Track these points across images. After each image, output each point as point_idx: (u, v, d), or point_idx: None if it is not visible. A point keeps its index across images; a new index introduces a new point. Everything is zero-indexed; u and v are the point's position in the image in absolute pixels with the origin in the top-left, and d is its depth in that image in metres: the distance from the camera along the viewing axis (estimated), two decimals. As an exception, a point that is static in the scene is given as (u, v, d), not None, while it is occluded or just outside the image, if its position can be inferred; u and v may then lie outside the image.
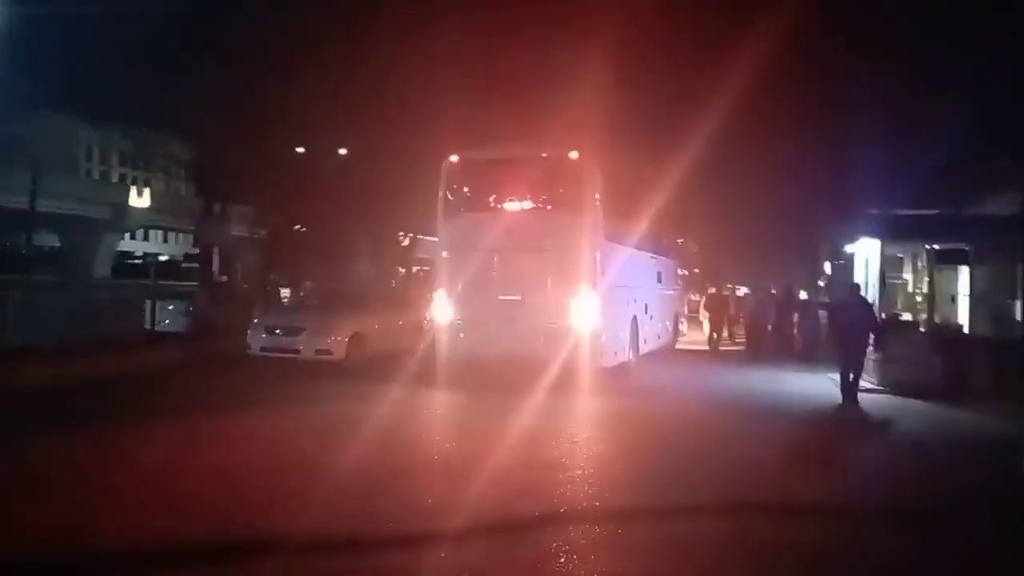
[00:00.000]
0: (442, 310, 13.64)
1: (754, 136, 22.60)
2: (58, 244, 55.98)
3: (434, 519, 6.11)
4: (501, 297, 13.26)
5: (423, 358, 14.27)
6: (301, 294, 19.80)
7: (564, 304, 12.95)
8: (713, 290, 27.28)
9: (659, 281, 18.77)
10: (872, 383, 15.05)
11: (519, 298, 13.20)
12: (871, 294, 15.92)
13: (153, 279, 20.98)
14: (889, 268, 16.32)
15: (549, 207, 13.41)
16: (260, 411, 10.96)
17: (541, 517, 6.16)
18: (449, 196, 13.70)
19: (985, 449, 9.76)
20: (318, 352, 15.22)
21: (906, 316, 16.25)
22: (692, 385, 14.97)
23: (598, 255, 13.15)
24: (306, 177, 20.68)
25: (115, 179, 75.51)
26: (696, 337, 25.65)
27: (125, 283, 36.69)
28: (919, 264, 16.47)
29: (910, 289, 16.70)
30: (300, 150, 21.44)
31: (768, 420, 11.39)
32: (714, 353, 21.88)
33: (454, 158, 13.57)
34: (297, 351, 15.22)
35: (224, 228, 21.67)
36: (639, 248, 16.40)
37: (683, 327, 23.73)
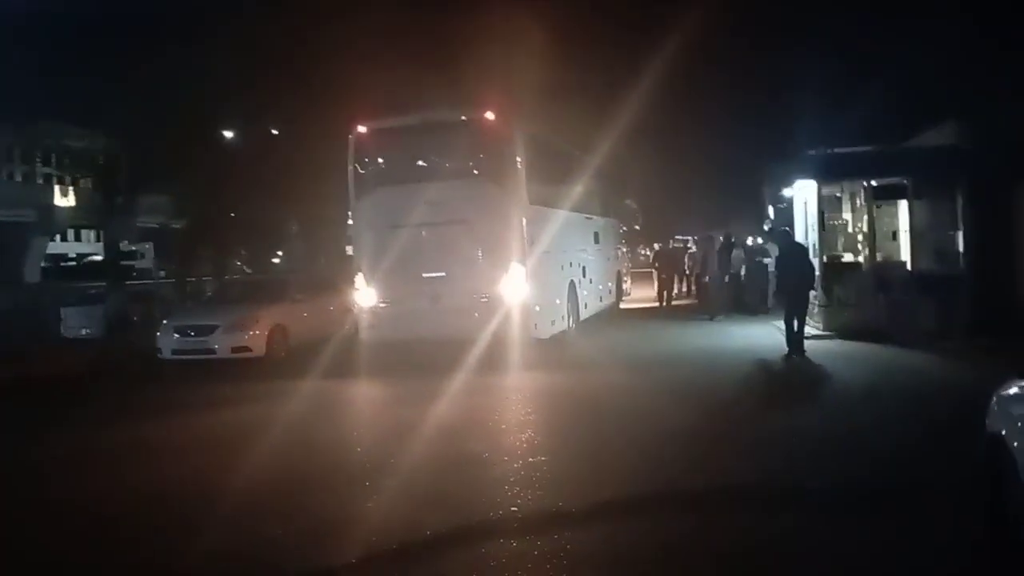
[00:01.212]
0: (363, 293, 12.72)
1: (689, 82, 21.94)
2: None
3: (334, 543, 5.29)
4: (425, 275, 12.39)
5: (349, 346, 13.37)
6: (216, 288, 18.52)
7: (491, 277, 12.14)
8: (658, 245, 26.77)
9: (597, 242, 18.01)
10: (818, 328, 14.60)
11: (444, 274, 12.35)
12: (811, 236, 15.41)
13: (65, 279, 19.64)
14: (828, 209, 15.79)
15: (468, 174, 12.47)
16: (152, 422, 9.94)
17: (452, 533, 5.36)
18: (360, 170, 12.68)
19: (939, 396, 9.22)
20: (235, 350, 14.17)
21: (848, 257, 15.78)
22: (632, 350, 14.23)
23: (524, 222, 12.31)
24: (227, 160, 19.41)
25: (39, 180, 72.26)
26: (644, 294, 25.15)
27: (46, 287, 35.02)
28: (858, 202, 15.96)
29: (850, 229, 16.20)
30: (227, 134, 20.11)
31: (708, 384, 10.70)
32: (664, 310, 21.29)
33: (361, 128, 12.53)
34: (212, 351, 14.17)
35: (130, 222, 20.25)
36: (572, 210, 15.59)
37: (627, 286, 23.12)
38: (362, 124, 12.51)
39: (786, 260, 12.73)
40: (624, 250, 23.29)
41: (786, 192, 17.62)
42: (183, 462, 7.81)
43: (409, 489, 6.38)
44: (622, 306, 21.61)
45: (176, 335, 14.47)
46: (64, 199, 51.33)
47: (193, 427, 9.64)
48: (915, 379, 10.53)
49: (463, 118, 12.30)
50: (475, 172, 12.41)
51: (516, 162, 12.21)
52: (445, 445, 7.71)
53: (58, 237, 63.19)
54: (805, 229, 16.13)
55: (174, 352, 14.41)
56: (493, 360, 11.81)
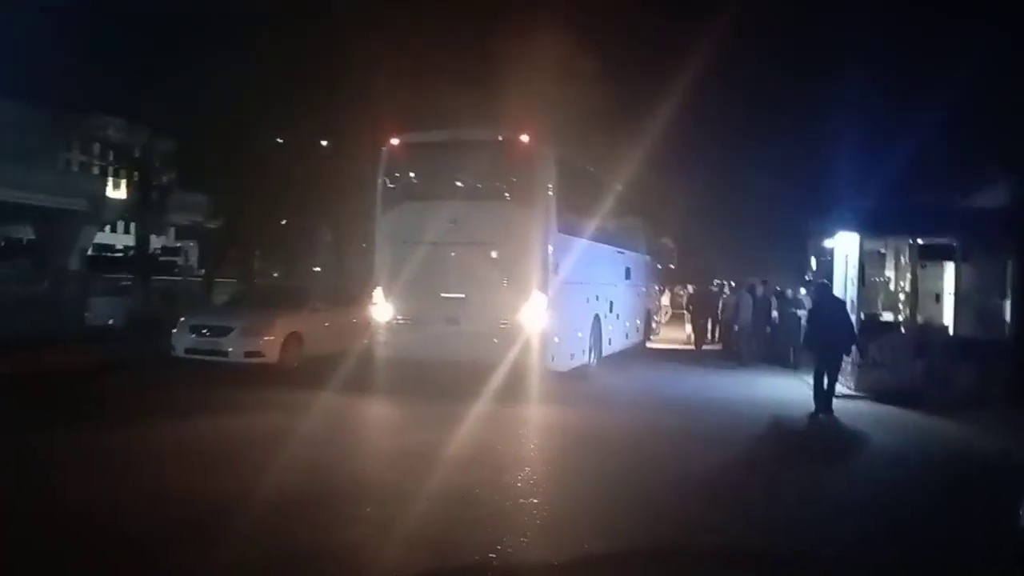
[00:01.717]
0: (381, 308, 12.42)
1: (732, 121, 21.53)
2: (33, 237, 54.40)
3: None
4: (444, 295, 12.06)
5: (364, 361, 13.05)
6: (238, 291, 18.38)
7: (512, 303, 11.76)
8: (692, 287, 26.20)
9: (628, 277, 17.57)
10: (850, 388, 13.96)
11: (463, 296, 12.00)
12: (850, 292, 14.80)
13: (92, 270, 19.69)
14: (869, 264, 15.18)
15: (497, 196, 12.16)
16: (143, 425, 9.54)
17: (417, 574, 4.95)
18: (389, 183, 12.45)
19: (974, 476, 8.55)
20: (248, 354, 13.95)
21: (887, 316, 15.12)
22: (653, 391, 13.71)
23: (550, 249, 11.94)
24: (265, 164, 19.38)
25: (95, 171, 73.55)
26: (674, 335, 24.58)
27: (89, 276, 35.39)
28: (902, 260, 15.31)
29: (892, 287, 15.55)
30: (269, 139, 20.13)
31: (726, 435, 10.15)
32: (691, 353, 20.70)
33: (395, 141, 12.31)
34: (224, 353, 13.95)
35: (162, 218, 20.27)
36: (603, 242, 15.21)
37: (657, 325, 22.61)
38: (395, 137, 12.30)
39: (819, 313, 12.19)
40: (657, 288, 22.83)
41: (828, 244, 17.03)
42: (159, 472, 7.45)
43: (388, 522, 5.98)
44: (650, 345, 21.10)
45: (191, 334, 14.30)
46: (116, 191, 52.03)
47: (182, 434, 9.25)
48: (947, 449, 9.89)
49: (497, 139, 12.03)
50: (504, 194, 12.11)
51: (547, 187, 11.88)
52: (438, 477, 7.31)
53: (107, 228, 64.33)
54: (845, 284, 15.51)
55: (187, 351, 14.22)
56: (506, 389, 11.42)
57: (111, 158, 18.57)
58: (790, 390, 14.26)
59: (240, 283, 20.43)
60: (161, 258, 46.20)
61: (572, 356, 13.14)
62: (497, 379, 11.47)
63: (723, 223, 27.72)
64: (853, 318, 14.67)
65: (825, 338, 11.85)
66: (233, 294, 17.79)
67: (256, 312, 14.99)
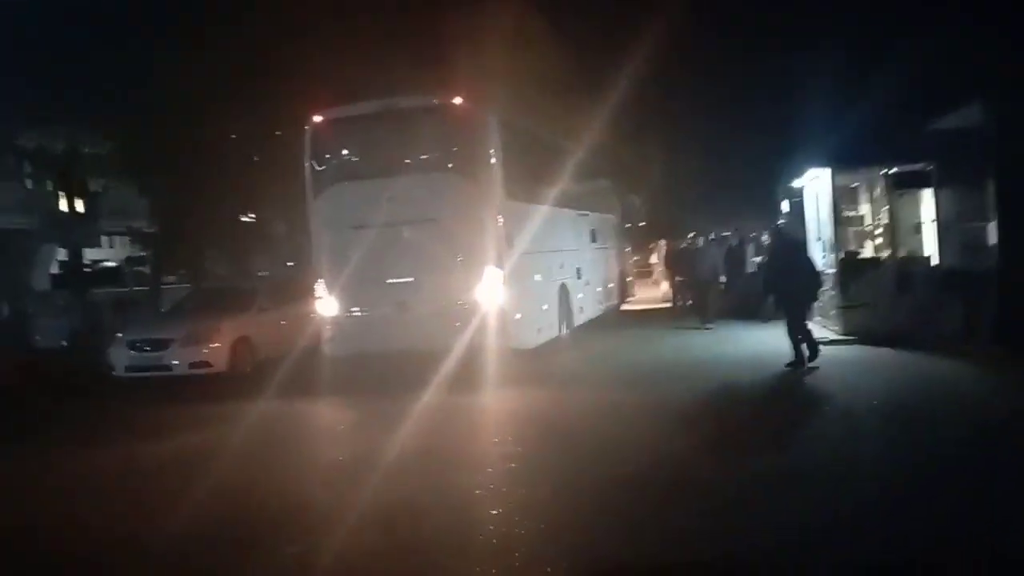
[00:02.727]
0: (324, 302, 11.46)
1: (692, 65, 20.47)
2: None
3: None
4: (390, 280, 11.12)
5: (320, 360, 12.09)
6: (179, 297, 17.22)
7: (464, 282, 10.85)
8: (663, 242, 25.38)
9: (594, 240, 16.67)
10: (836, 332, 13.21)
11: (412, 280, 11.07)
12: (824, 232, 14.01)
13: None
14: (843, 201, 14.37)
15: (437, 168, 11.16)
16: (66, 452, 8.66)
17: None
18: (317, 165, 11.41)
19: (978, 422, 7.78)
20: (193, 366, 12.96)
21: (867, 253, 14.35)
22: (626, 361, 12.78)
23: (501, 219, 11.00)
24: (201, 158, 18.12)
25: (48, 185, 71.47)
26: (650, 295, 23.77)
27: (54, 295, 33.97)
28: (876, 192, 14.52)
29: (868, 222, 14.76)
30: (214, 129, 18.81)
31: (702, 405, 9.20)
32: (669, 312, 19.77)
33: (318, 118, 11.25)
34: (167, 367, 12.96)
35: (91, 226, 19.01)
36: (562, 206, 14.27)
37: (630, 286, 21.78)
38: (318, 114, 11.23)
39: (776, 258, 11.38)
40: (628, 248, 21.95)
41: (797, 183, 16.20)
42: (49, 507, 6.55)
43: (328, 540, 5.12)
44: (626, 308, 20.29)
45: (129, 350, 13.28)
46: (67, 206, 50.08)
47: (117, 459, 8.38)
48: (943, 395, 9.04)
49: (429, 104, 11.01)
50: (444, 165, 11.12)
51: (490, 153, 10.90)
52: (386, 486, 6.43)
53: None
54: (818, 224, 14.72)
55: (127, 369, 13.22)
56: (467, 375, 10.54)
57: (28, 167, 17.25)
58: (773, 342, 13.43)
59: (192, 287, 19.29)
60: (131, 270, 44.66)
61: (539, 331, 12.27)
62: (456, 366, 10.59)
63: (691, 175, 26.72)
64: (826, 258, 13.96)
65: (784, 285, 10.95)
66: (174, 300, 16.67)
67: (198, 319, 13.96)
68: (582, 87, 17.18)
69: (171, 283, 21.08)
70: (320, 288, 11.40)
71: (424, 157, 11.17)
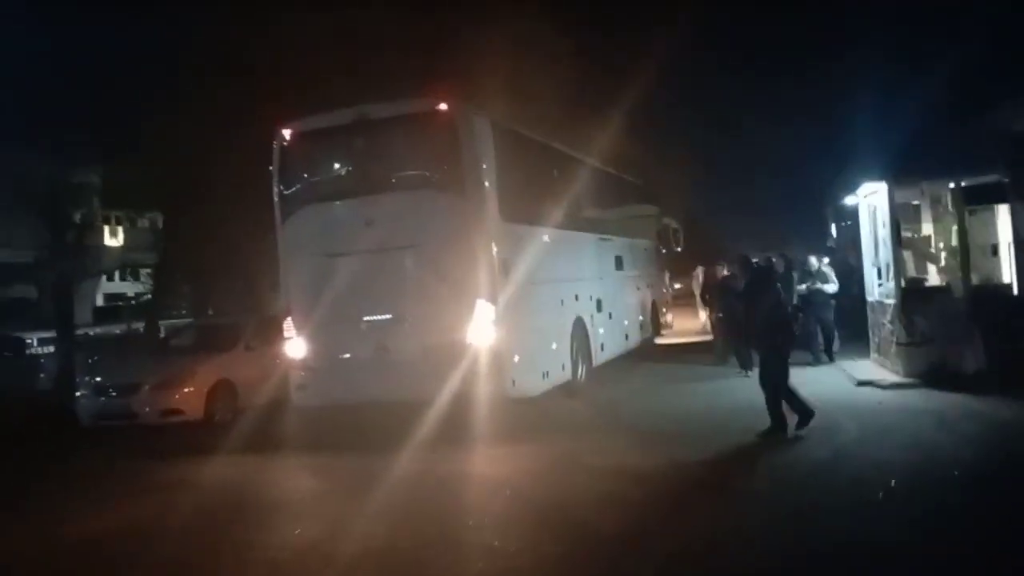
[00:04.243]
0: (293, 344, 9.92)
1: (733, 69, 18.76)
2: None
3: None
4: (367, 318, 9.54)
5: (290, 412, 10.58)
6: (155, 336, 15.91)
7: (452, 319, 9.24)
8: (700, 269, 23.44)
9: (620, 267, 14.94)
10: (897, 373, 11.25)
11: (390, 317, 9.49)
12: (883, 255, 12.06)
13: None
14: (904, 220, 12.42)
15: (419, 185, 9.60)
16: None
17: None
18: (284, 186, 9.93)
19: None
20: (163, 414, 11.52)
21: (932, 280, 12.37)
22: (650, 411, 10.82)
23: (494, 246, 9.37)
24: (200, 181, 16.92)
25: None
26: (687, 326, 21.73)
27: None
28: (941, 209, 12.57)
29: (935, 244, 12.79)
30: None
31: (740, 474, 7.54)
32: (710, 349, 17.64)
33: (285, 131, 9.79)
34: (135, 416, 11.53)
35: (82, 260, 17.89)
36: (577, 229, 12.63)
37: (668, 317, 19.80)
38: (285, 126, 9.77)
39: (747, 294, 9.15)
40: (666, 276, 20.04)
41: (849, 201, 14.29)
42: None
43: None
44: (661, 341, 18.37)
45: (97, 396, 11.92)
46: (113, 239, 50.38)
47: (28, 539, 6.97)
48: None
49: (409, 111, 9.47)
50: (428, 182, 9.55)
51: (481, 167, 9.31)
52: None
53: (116, 276, 62.53)
54: (875, 246, 12.78)
55: (94, 417, 11.85)
56: (455, 430, 8.92)
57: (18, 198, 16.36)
58: (826, 392, 11.45)
59: (192, 321, 17.98)
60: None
61: (545, 375, 10.55)
62: (443, 419, 8.96)
63: (733, 195, 24.91)
64: (884, 286, 11.99)
65: (757, 324, 8.72)
66: (148, 339, 15.34)
67: (173, 360, 12.59)
68: (606, 92, 15.57)
69: (175, 317, 19.89)
70: (288, 327, 9.87)
71: (405, 173, 9.62)
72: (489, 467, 8.22)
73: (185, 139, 16.11)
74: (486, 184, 9.35)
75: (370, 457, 8.70)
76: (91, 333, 20.22)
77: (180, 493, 8.10)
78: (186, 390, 11.72)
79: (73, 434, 11.82)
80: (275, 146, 9.83)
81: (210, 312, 19.32)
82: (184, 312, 19.73)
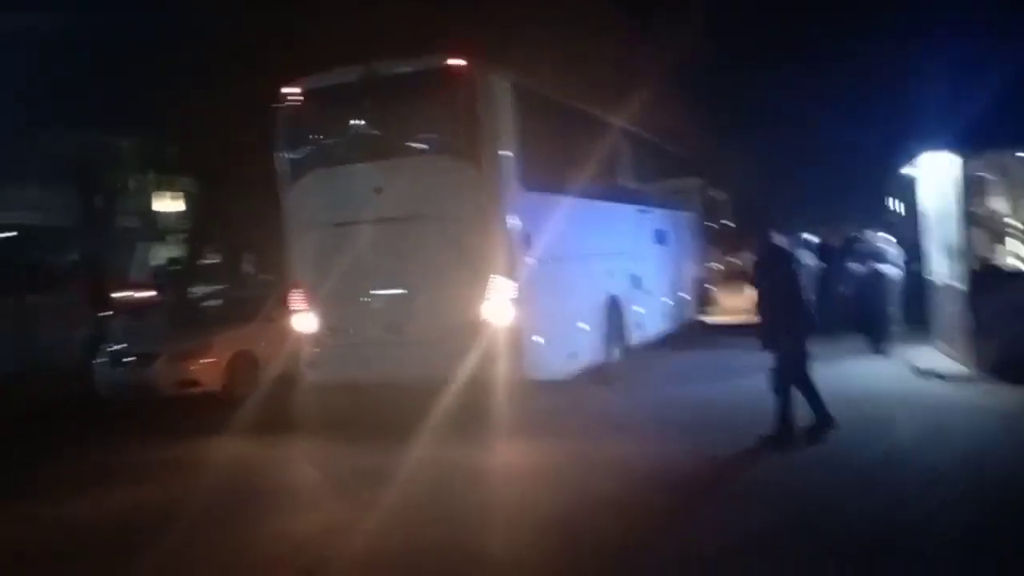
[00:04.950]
0: (302, 317, 9.37)
1: (779, 20, 17.47)
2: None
3: None
4: (377, 292, 8.93)
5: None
6: (176, 303, 15.48)
7: (468, 295, 8.56)
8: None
9: (661, 241, 14.05)
10: (966, 366, 10.19)
11: (404, 292, 8.86)
12: (946, 236, 10.96)
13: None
14: (972, 194, 11.20)
15: (433, 150, 8.90)
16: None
17: None
18: (288, 151, 9.31)
19: None
20: (180, 385, 11.21)
21: (1012, 263, 11.21)
22: (688, 394, 10.05)
23: (513, 217, 8.64)
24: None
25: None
26: (736, 303, 20.57)
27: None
28: (1018, 183, 11.36)
29: (1009, 223, 11.60)
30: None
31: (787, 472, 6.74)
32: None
33: (290, 90, 9.15)
34: (152, 387, 11.20)
35: (111, 225, 17.63)
36: (611, 200, 11.80)
37: (714, 294, 18.78)
38: (290, 85, 9.12)
39: (757, 273, 8.08)
40: (714, 250, 18.95)
41: (908, 172, 13.10)
42: None
43: None
44: (706, 319, 17.41)
45: (114, 366, 11.63)
46: (166, 204, 51.35)
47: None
48: None
49: (421, 68, 8.72)
50: (443, 147, 8.84)
51: (498, 131, 8.53)
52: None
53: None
54: (937, 225, 11.65)
55: (110, 387, 11.59)
56: (471, 416, 8.30)
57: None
58: (881, 379, 10.49)
59: (218, 289, 17.61)
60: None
61: (573, 356, 9.82)
62: (459, 403, 8.33)
63: (784, 164, 23.55)
64: (951, 269, 10.90)
65: (769, 319, 7.63)
66: (171, 307, 15.01)
67: (192, 330, 12.23)
68: (644, 51, 14.57)
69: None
70: (297, 299, 9.31)
71: (417, 136, 8.91)
72: (501, 462, 7.56)
73: (218, 105, 15.64)
74: (505, 150, 8.59)
75: (376, 445, 8.17)
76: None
77: (178, 476, 7.76)
78: (204, 361, 11.40)
79: (94, 407, 11.56)
80: (278, 107, 9.20)
81: (249, 277, 19.01)
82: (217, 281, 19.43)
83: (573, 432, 8.34)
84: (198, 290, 16.52)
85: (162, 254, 23.87)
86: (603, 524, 5.68)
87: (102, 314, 15.15)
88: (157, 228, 23.84)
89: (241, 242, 18.04)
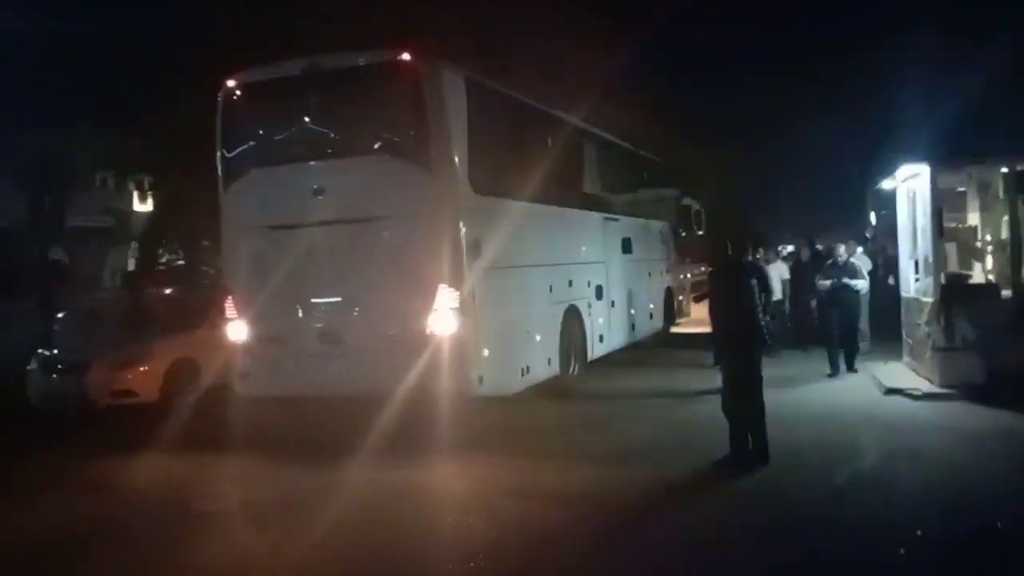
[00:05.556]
0: (235, 325, 8.80)
1: (760, 30, 17.18)
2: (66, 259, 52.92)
3: None
4: (315, 300, 8.39)
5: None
6: (116, 307, 14.80)
7: (410, 305, 8.04)
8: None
9: (627, 251, 13.58)
10: (932, 382, 9.82)
11: (341, 300, 8.32)
12: (922, 247, 10.61)
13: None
14: (947, 208, 10.87)
15: (377, 149, 8.36)
16: None
17: None
18: (227, 147, 8.74)
19: None
20: (114, 395, 10.55)
21: (977, 277, 10.87)
22: (645, 411, 9.56)
23: (462, 223, 8.13)
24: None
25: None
26: (705, 315, 20.18)
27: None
28: (991, 196, 11.03)
29: (981, 236, 11.26)
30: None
31: (749, 501, 6.26)
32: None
33: (232, 82, 8.58)
34: (84, 397, 10.56)
35: (57, 223, 16.97)
36: (573, 206, 11.35)
37: (685, 305, 18.39)
38: (232, 77, 8.57)
39: (710, 285, 7.77)
40: (687, 261, 18.51)
41: (886, 185, 12.75)
42: None
43: None
44: (676, 330, 17.00)
45: (46, 372, 10.96)
46: (143, 204, 50.44)
47: None
48: None
49: (366, 62, 8.21)
50: (387, 145, 8.29)
51: (448, 130, 8.03)
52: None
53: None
54: (914, 237, 11.30)
55: (41, 397, 10.91)
56: (410, 433, 7.77)
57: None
58: (847, 394, 10.13)
59: (182, 288, 16.89)
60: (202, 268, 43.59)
61: (525, 371, 9.30)
62: (399, 419, 7.81)
63: (762, 175, 23.26)
64: (921, 282, 10.55)
65: (722, 332, 7.26)
66: (114, 310, 14.28)
67: (130, 335, 11.57)
68: (619, 55, 14.17)
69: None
70: (230, 306, 8.74)
71: (361, 135, 8.36)
72: (436, 486, 7.02)
73: (172, 101, 15.06)
74: (455, 151, 8.09)
75: (307, 464, 7.62)
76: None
77: (88, 497, 7.14)
78: (141, 369, 10.77)
79: (15, 416, 10.87)
80: (219, 100, 8.64)
81: (207, 278, 18.34)
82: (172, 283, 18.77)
83: (516, 453, 7.78)
84: (151, 292, 15.89)
85: (118, 254, 23.16)
86: (535, 558, 5.16)
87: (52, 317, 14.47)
88: (113, 227, 23.13)
89: (197, 242, 17.42)
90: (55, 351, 11.48)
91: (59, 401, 10.81)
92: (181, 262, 25.39)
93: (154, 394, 10.70)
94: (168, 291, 15.56)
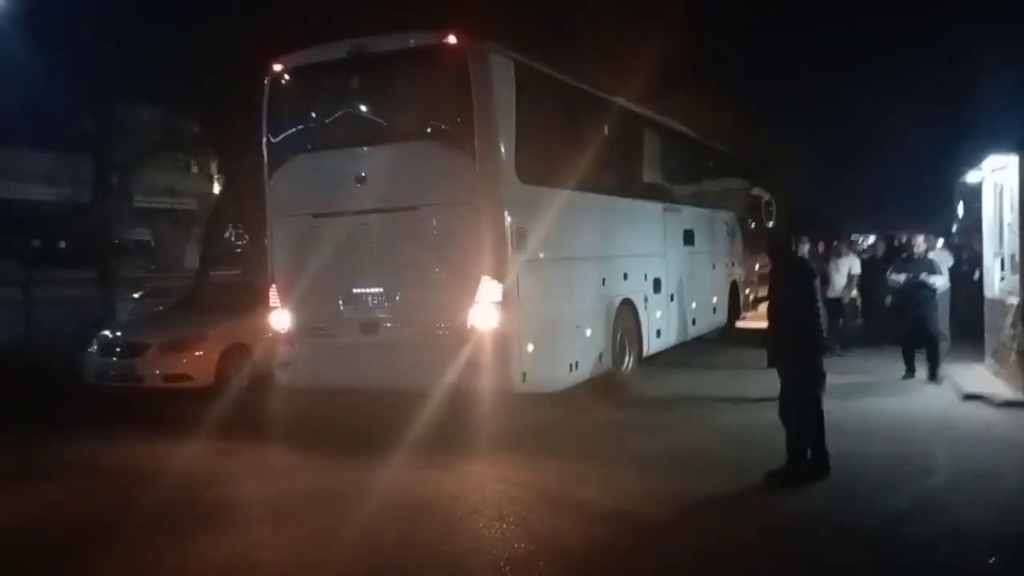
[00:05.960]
0: (277, 314, 8.68)
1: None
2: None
3: None
4: (357, 290, 8.20)
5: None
6: (185, 291, 14.91)
7: (454, 297, 7.78)
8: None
9: (689, 242, 13.05)
10: (1016, 390, 9.09)
11: (382, 291, 8.11)
12: (1008, 245, 9.82)
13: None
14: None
15: (422, 135, 8.09)
16: None
17: None
18: (272, 133, 8.60)
19: None
20: (168, 378, 10.66)
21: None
22: (699, 413, 9.05)
23: (507, 211, 7.81)
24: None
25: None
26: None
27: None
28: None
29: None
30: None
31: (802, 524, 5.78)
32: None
33: (277, 67, 8.43)
34: (138, 379, 10.69)
35: (123, 204, 17.21)
36: (632, 196, 10.92)
37: (751, 299, 17.70)
38: (278, 62, 8.41)
39: (770, 284, 7.22)
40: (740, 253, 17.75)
41: (971, 178, 11.90)
42: None
43: None
44: (742, 325, 16.34)
45: (103, 355, 11.14)
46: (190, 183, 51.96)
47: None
48: None
49: (412, 46, 7.94)
50: (433, 132, 8.02)
51: (495, 116, 7.70)
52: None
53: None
54: (1000, 233, 10.49)
55: (96, 376, 11.10)
56: (452, 430, 7.54)
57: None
58: (925, 399, 9.46)
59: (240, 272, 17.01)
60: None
61: (573, 367, 8.94)
62: (439, 417, 7.58)
63: (840, 166, 22.22)
64: (1006, 281, 9.76)
65: (777, 333, 6.61)
66: (182, 294, 14.41)
67: (186, 321, 11.66)
68: (678, 30, 13.58)
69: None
70: (273, 295, 8.62)
71: (406, 120, 8.10)
72: (471, 487, 6.67)
73: (240, 82, 15.10)
74: (501, 138, 7.76)
75: (339, 460, 7.43)
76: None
77: (117, 480, 7.13)
78: (196, 354, 10.84)
79: (71, 393, 11.09)
80: (265, 85, 8.51)
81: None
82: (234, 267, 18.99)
83: (557, 454, 7.43)
84: (213, 275, 16.09)
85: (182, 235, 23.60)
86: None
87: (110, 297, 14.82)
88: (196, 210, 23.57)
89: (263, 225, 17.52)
90: (117, 333, 11.67)
91: (113, 380, 10.96)
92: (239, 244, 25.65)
93: (208, 379, 10.77)
94: (234, 274, 15.70)
